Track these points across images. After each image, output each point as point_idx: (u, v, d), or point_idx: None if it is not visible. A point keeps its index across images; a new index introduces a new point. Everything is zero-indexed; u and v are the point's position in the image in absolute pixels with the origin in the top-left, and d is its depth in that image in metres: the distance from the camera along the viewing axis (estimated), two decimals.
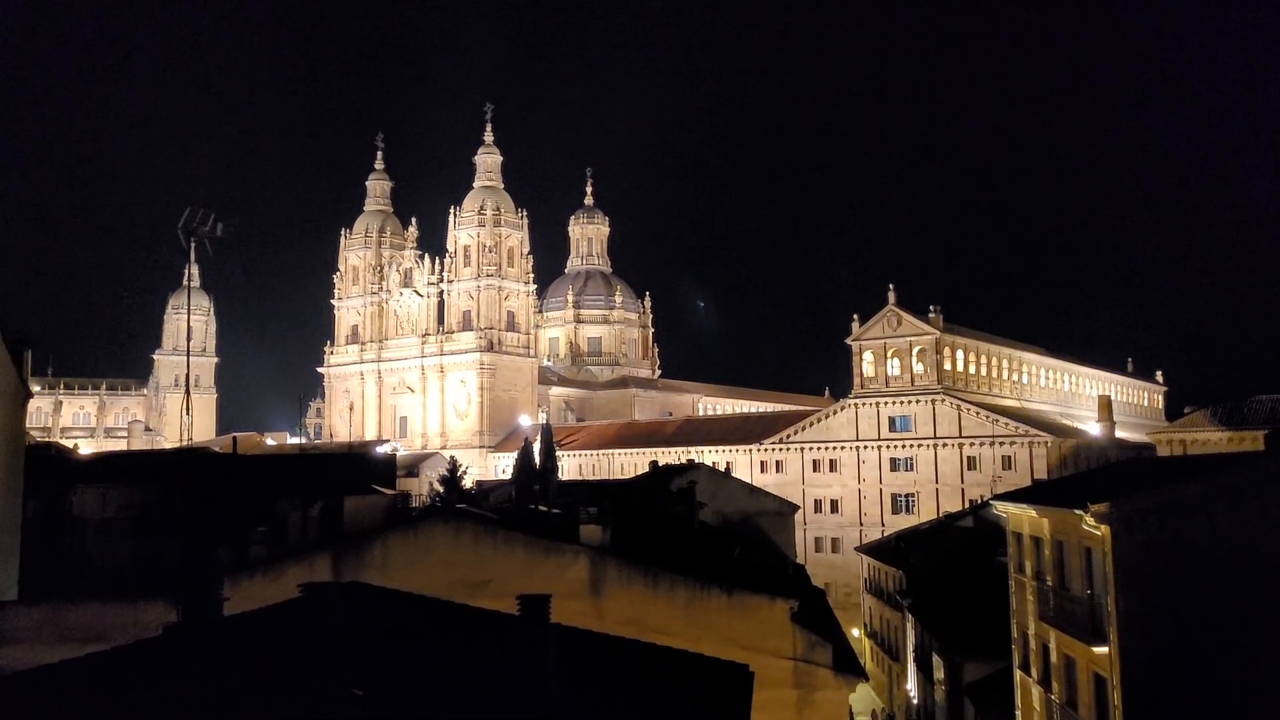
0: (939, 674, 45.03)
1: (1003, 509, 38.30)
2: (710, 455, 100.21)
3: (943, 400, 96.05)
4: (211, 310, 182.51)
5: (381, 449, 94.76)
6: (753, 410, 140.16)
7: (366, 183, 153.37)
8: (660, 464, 70.07)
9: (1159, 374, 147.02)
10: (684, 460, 79.66)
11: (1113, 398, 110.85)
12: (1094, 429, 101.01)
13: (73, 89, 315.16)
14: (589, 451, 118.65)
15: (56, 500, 33.81)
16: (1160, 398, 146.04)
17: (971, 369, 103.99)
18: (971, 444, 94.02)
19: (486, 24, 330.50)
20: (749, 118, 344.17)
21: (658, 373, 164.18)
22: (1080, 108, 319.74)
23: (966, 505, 78.44)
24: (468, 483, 63.70)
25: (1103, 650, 27.25)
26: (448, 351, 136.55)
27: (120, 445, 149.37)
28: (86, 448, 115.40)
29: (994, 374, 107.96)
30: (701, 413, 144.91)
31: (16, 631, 20.92)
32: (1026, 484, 72.86)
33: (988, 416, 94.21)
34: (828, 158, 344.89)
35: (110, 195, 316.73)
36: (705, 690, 17.88)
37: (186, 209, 66.89)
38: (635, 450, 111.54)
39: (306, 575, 22.24)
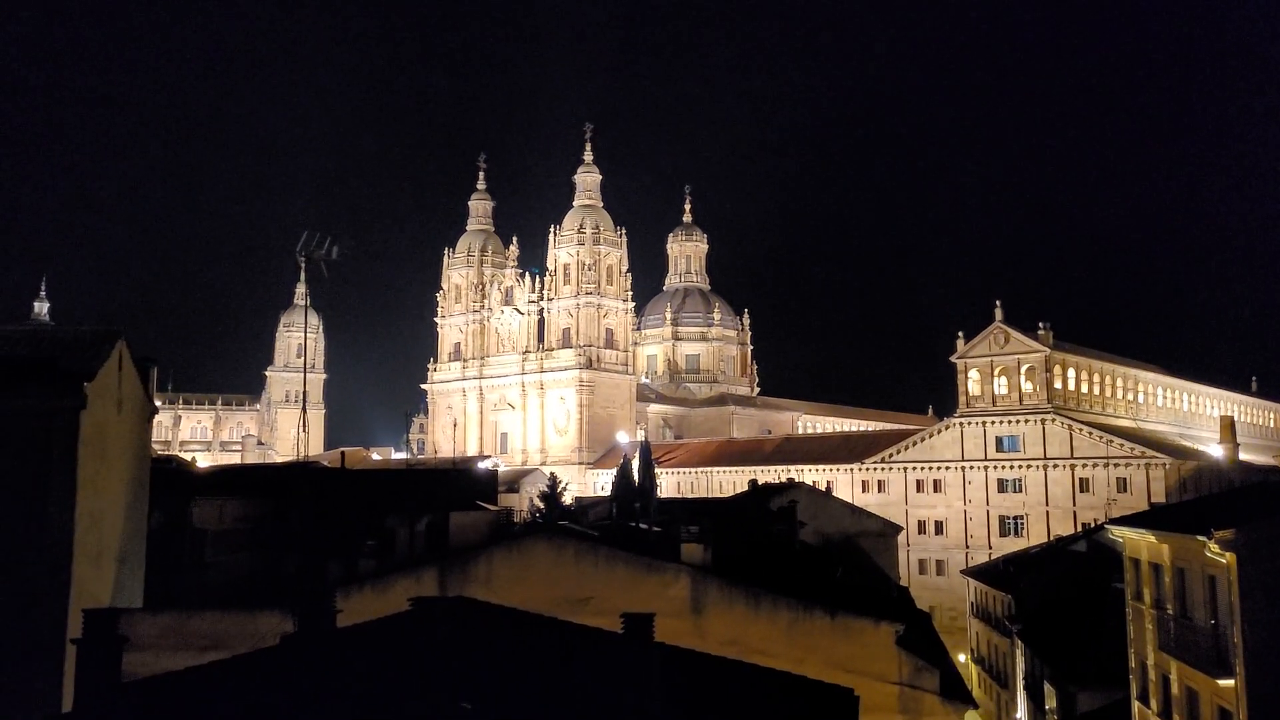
0: (1051, 703, 43.56)
1: (1119, 533, 36.98)
2: (810, 474, 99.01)
3: (1053, 420, 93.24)
4: (321, 328, 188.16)
5: (483, 465, 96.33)
6: (853, 429, 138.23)
7: (469, 202, 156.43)
8: (759, 482, 69.52)
9: None
10: (783, 479, 78.82)
11: (1236, 418, 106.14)
12: (1216, 451, 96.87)
13: (187, 115, 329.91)
14: (687, 469, 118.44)
15: (177, 512, 35.17)
16: None
17: (1083, 388, 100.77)
18: (1084, 465, 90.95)
19: (587, 45, 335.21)
20: (848, 132, 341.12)
21: (756, 390, 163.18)
22: (1201, 111, 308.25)
23: (1078, 528, 75.94)
24: (567, 499, 64.24)
25: (1228, 683, 26.07)
26: (547, 369, 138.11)
27: (234, 459, 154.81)
28: (203, 461, 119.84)
29: (1107, 393, 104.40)
30: (801, 431, 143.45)
31: (142, 638, 21.78)
32: (1143, 507, 70.13)
33: (1101, 437, 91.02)
34: (931, 169, 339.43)
35: (221, 216, 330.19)
36: (809, 713, 17.64)
37: (304, 232, 69.36)
38: (734, 468, 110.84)
39: (414, 589, 22.69)
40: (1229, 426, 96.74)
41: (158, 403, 33.19)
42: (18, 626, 22.85)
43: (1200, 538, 26.87)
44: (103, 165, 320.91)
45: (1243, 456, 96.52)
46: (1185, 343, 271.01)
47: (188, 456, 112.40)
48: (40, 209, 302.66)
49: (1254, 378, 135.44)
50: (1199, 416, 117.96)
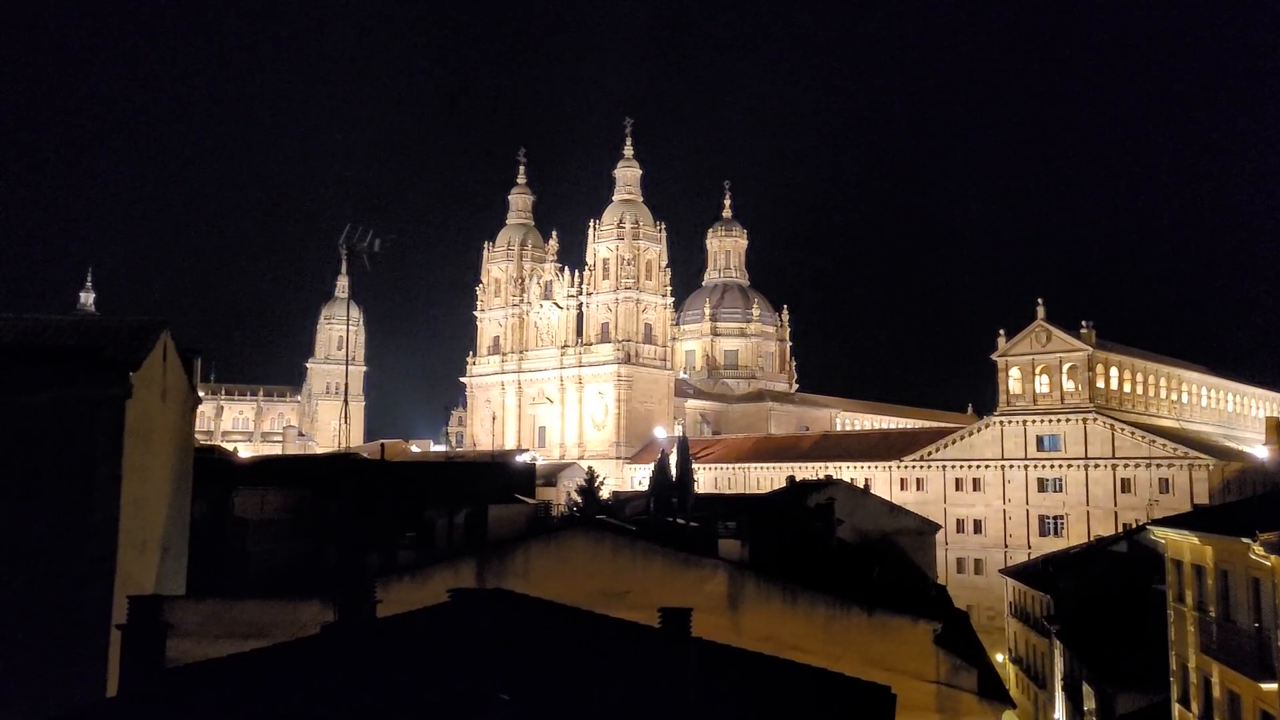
0: (1089, 704, 43.08)
1: (1161, 534, 36.48)
2: (848, 471, 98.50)
3: (1095, 419, 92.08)
4: (361, 321, 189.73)
5: (521, 458, 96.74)
6: (892, 426, 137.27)
7: (509, 197, 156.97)
8: (797, 479, 69.30)
9: None
10: (821, 476, 78.52)
11: None
12: (1261, 452, 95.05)
13: (232, 108, 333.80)
14: (724, 465, 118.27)
15: (219, 502, 35.64)
16: None
17: (1126, 387, 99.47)
18: (1126, 465, 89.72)
19: (627, 40, 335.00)
20: (890, 128, 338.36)
21: (795, 386, 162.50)
22: (1249, 109, 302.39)
23: (1119, 529, 74.95)
24: (604, 493, 64.39)
25: (1272, 687, 25.67)
26: (586, 363, 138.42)
27: (275, 449, 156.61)
28: (245, 452, 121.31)
29: (1150, 393, 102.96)
30: (839, 428, 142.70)
31: (185, 625, 22.12)
32: (1185, 509, 68.82)
33: (1143, 437, 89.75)
34: (973, 165, 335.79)
35: (264, 209, 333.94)
36: (846, 710, 17.56)
37: (347, 225, 69.79)
38: (771, 465, 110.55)
39: (452, 581, 22.84)
40: (1275, 428, 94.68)
41: (200, 393, 33.59)
42: (64, 612, 23.30)
43: (1244, 540, 26.46)
44: (148, 158, 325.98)
45: None
46: (1230, 343, 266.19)
47: (229, 447, 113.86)
48: (86, 202, 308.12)
49: None
50: (1244, 417, 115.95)
